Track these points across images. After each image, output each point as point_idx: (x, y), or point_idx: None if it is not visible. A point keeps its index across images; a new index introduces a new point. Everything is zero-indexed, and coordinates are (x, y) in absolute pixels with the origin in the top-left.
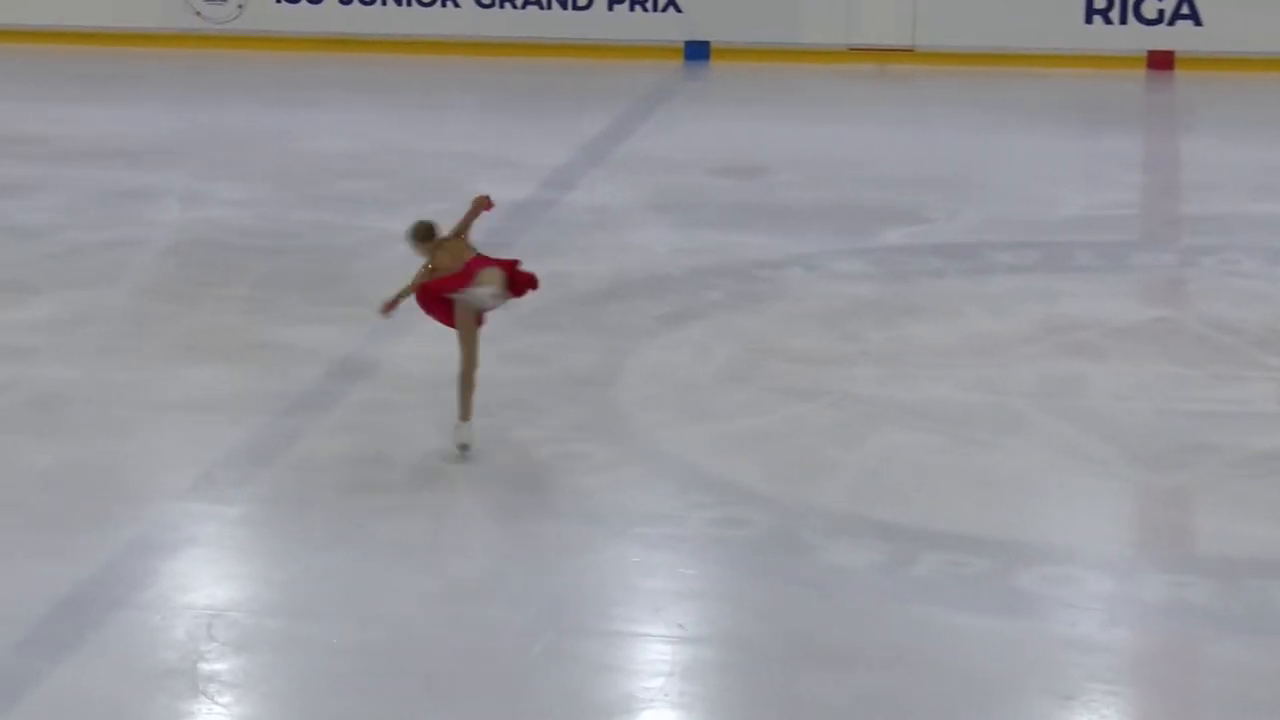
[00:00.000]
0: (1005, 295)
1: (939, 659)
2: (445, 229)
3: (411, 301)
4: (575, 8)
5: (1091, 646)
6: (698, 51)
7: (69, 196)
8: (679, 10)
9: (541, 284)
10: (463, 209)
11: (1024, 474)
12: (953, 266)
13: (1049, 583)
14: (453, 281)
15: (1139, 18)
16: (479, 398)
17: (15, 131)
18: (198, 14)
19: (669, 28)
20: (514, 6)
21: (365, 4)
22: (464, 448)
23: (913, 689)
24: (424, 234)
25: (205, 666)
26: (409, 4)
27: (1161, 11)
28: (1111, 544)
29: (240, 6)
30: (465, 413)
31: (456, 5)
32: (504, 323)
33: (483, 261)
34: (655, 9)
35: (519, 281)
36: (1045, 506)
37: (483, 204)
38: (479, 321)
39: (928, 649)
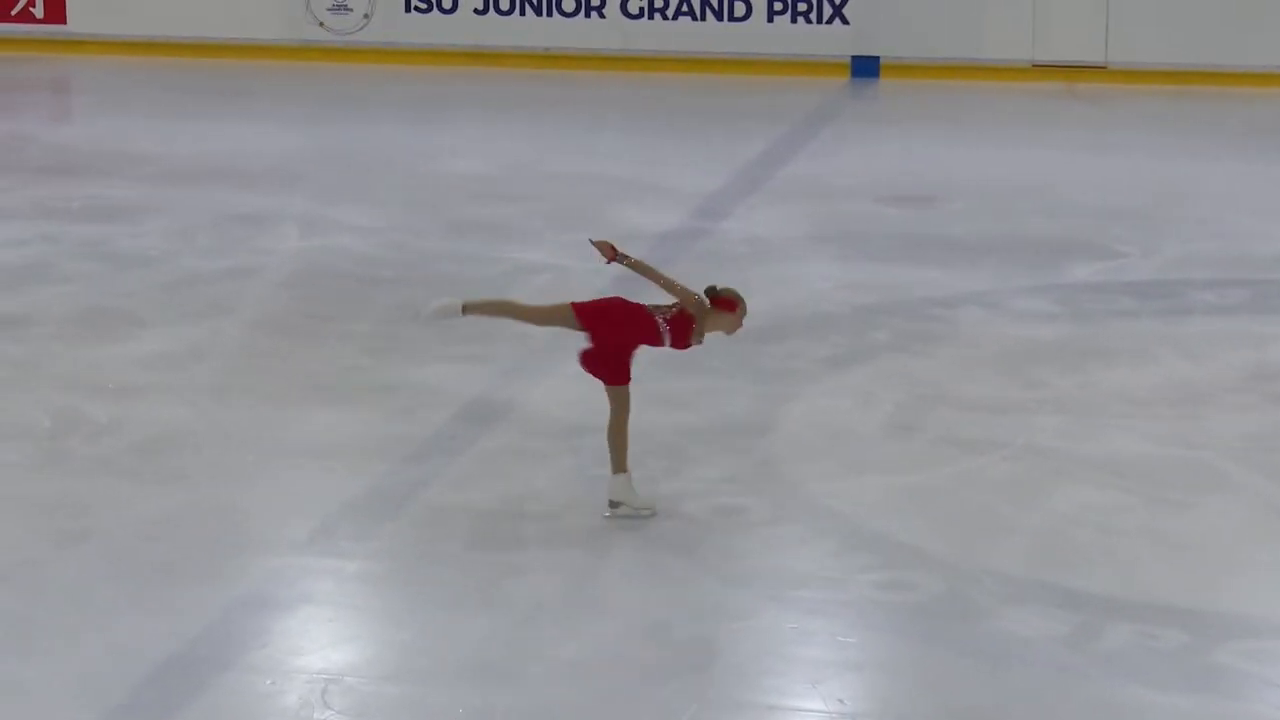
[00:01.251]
0: (1206, 339)
1: None
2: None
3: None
4: (732, 19)
5: None
6: (866, 67)
7: (180, 221)
8: (845, 22)
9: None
10: (607, 236)
11: (1225, 538)
12: (1147, 307)
13: (1251, 659)
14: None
15: None
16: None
17: (124, 150)
18: (321, 24)
19: (835, 41)
20: (664, 18)
21: (502, 14)
22: (614, 504)
23: None
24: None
25: None
26: (550, 14)
27: None
28: None
29: (366, 16)
30: (619, 464)
31: (602, 16)
32: (650, 365)
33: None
34: (820, 21)
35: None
36: (1248, 574)
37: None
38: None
39: None
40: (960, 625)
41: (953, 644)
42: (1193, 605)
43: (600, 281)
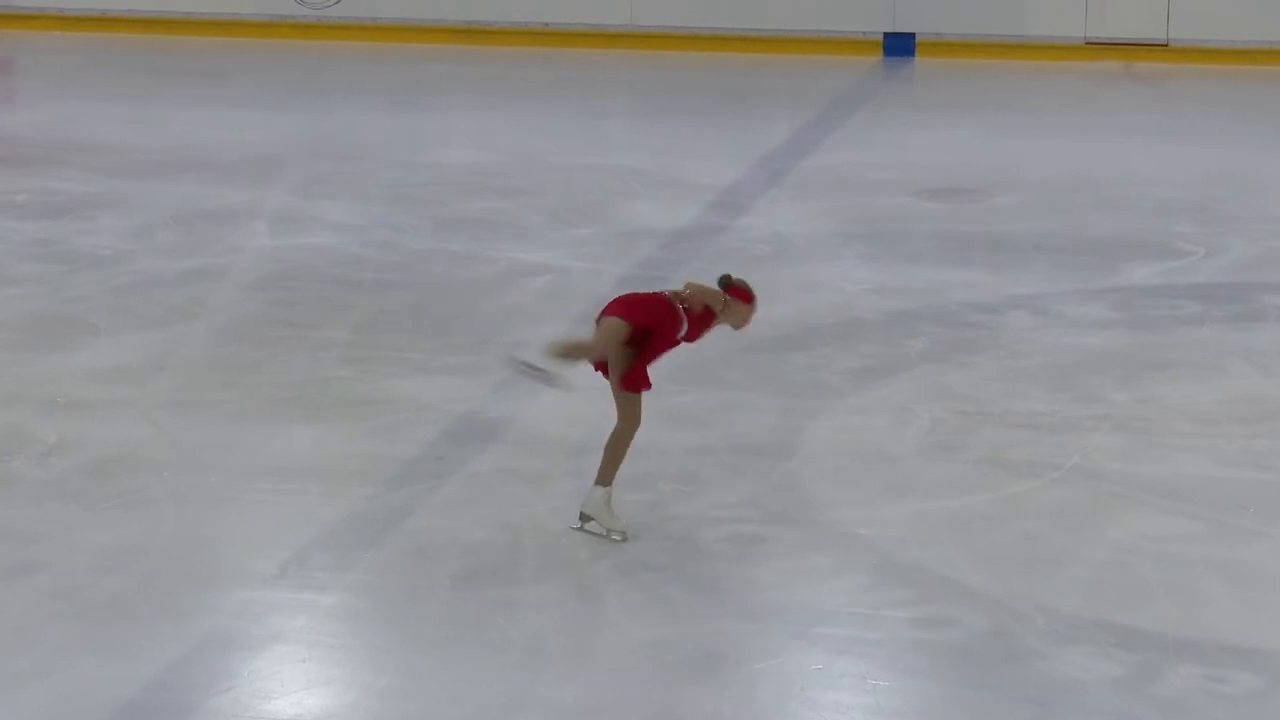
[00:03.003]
0: (1278, 348)
1: None
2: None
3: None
4: None
5: None
6: (900, 46)
7: (139, 217)
8: None
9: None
10: (614, 234)
11: None
12: (1214, 312)
13: None
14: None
15: None
16: (631, 467)
17: (76, 138)
18: None
19: (866, 16)
20: None
21: None
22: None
23: None
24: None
25: None
26: None
27: None
28: None
29: None
30: (605, 477)
31: None
32: (662, 377)
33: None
34: None
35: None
36: None
37: None
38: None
39: None
40: (1005, 667)
41: (997, 688)
42: (1264, 645)
43: (602, 284)
